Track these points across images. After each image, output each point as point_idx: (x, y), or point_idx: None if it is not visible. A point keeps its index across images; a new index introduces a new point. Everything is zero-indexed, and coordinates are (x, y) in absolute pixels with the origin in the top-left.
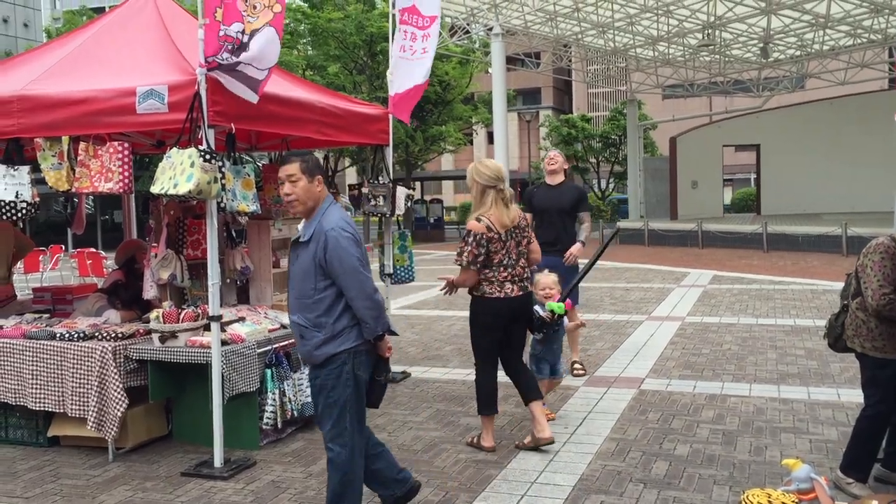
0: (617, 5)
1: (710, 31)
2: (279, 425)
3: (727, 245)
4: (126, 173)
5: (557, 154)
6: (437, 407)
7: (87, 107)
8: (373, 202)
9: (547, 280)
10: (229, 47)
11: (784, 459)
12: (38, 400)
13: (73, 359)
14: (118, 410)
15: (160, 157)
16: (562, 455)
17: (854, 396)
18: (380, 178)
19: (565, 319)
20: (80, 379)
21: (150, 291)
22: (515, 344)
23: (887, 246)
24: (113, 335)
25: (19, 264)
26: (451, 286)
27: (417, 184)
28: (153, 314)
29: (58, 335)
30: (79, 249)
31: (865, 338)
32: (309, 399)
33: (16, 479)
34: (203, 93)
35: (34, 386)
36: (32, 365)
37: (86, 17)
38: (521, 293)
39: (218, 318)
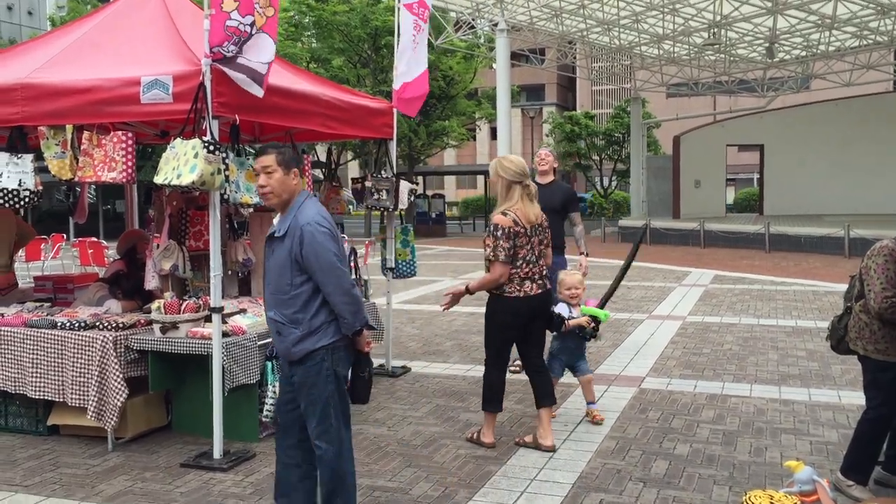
0: (623, 2)
1: (715, 29)
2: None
3: (729, 245)
4: (129, 163)
5: (548, 153)
6: (437, 402)
7: (91, 96)
8: (376, 196)
9: (572, 280)
10: (235, 39)
11: (786, 461)
12: (38, 389)
13: (74, 348)
14: (118, 400)
15: (163, 147)
16: (562, 453)
17: (855, 399)
18: (383, 171)
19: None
20: (80, 368)
21: (151, 282)
22: (534, 341)
23: (891, 249)
24: (114, 325)
25: (21, 252)
26: (454, 300)
27: (420, 178)
28: (154, 305)
29: (59, 324)
30: (80, 238)
31: (868, 340)
32: None
33: (15, 467)
34: (208, 83)
35: (34, 374)
36: (33, 353)
37: (90, 5)
38: (540, 291)
39: (219, 309)
